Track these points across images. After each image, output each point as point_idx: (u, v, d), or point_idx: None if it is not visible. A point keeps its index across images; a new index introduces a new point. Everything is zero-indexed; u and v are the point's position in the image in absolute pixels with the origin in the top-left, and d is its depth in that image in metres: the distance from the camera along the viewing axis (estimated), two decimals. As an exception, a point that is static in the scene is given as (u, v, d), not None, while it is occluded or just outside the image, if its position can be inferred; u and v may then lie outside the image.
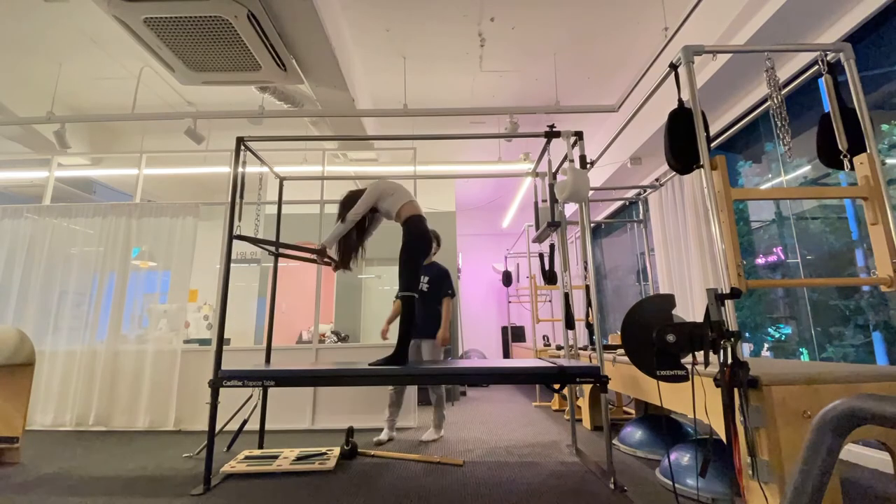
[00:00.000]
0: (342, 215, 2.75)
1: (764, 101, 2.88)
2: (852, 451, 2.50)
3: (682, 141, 1.91)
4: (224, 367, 2.34)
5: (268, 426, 3.13)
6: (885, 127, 2.58)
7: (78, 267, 3.97)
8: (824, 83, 1.98)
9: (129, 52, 3.79)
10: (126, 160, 5.12)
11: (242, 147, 2.70)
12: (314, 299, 3.89)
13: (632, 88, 3.53)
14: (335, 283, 5.59)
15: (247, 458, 2.65)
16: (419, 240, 2.67)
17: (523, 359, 4.49)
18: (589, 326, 2.90)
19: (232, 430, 3.02)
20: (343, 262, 2.85)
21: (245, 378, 2.26)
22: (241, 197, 2.71)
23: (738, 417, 1.54)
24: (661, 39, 3.09)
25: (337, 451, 2.75)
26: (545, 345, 5.91)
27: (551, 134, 2.78)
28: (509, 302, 7.65)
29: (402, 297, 2.58)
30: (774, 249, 3.43)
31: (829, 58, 1.99)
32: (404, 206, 2.74)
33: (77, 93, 4.47)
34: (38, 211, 4.07)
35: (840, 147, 1.90)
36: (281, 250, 3.04)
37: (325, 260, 2.82)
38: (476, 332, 8.18)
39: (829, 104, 1.96)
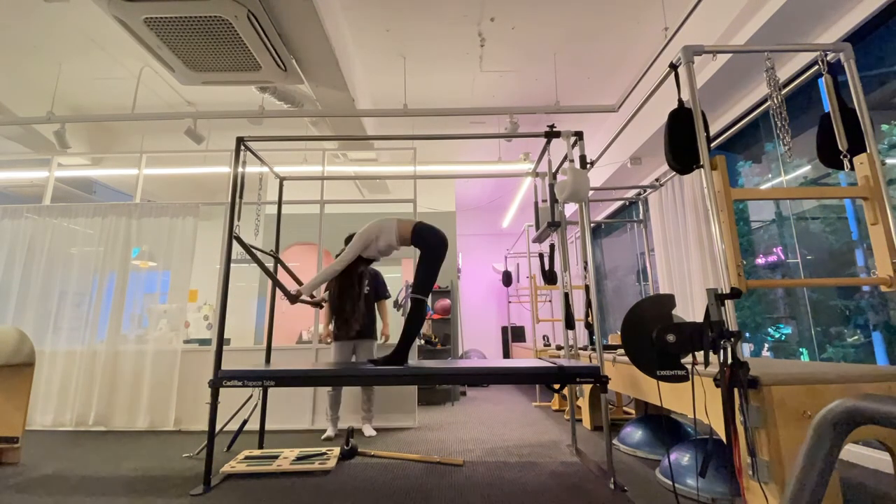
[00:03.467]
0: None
1: (764, 101, 2.88)
2: (852, 451, 2.50)
3: (682, 141, 1.91)
4: (224, 367, 2.34)
5: (268, 426, 3.13)
6: (885, 127, 2.58)
7: (78, 267, 3.97)
8: (824, 83, 1.98)
9: (129, 52, 3.79)
10: (126, 160, 5.12)
11: (242, 147, 2.70)
12: (314, 299, 3.89)
13: (632, 88, 3.53)
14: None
15: (247, 458, 2.65)
16: (437, 240, 2.60)
17: (523, 359, 4.48)
18: (589, 326, 2.90)
19: (232, 430, 3.02)
20: (345, 323, 2.81)
21: (245, 378, 2.26)
22: (241, 197, 2.70)
23: (738, 417, 1.54)
24: (661, 39, 3.09)
25: (337, 451, 2.75)
26: (545, 345, 5.91)
27: (551, 134, 2.78)
28: (509, 302, 7.64)
29: (413, 300, 2.51)
30: (774, 249, 3.43)
31: (829, 58, 1.99)
32: (399, 228, 2.64)
33: (77, 93, 4.46)
34: (38, 211, 4.07)
35: (840, 147, 1.90)
36: (268, 268, 2.91)
37: (304, 299, 2.67)
38: (476, 332, 8.18)
39: (829, 104, 1.96)
